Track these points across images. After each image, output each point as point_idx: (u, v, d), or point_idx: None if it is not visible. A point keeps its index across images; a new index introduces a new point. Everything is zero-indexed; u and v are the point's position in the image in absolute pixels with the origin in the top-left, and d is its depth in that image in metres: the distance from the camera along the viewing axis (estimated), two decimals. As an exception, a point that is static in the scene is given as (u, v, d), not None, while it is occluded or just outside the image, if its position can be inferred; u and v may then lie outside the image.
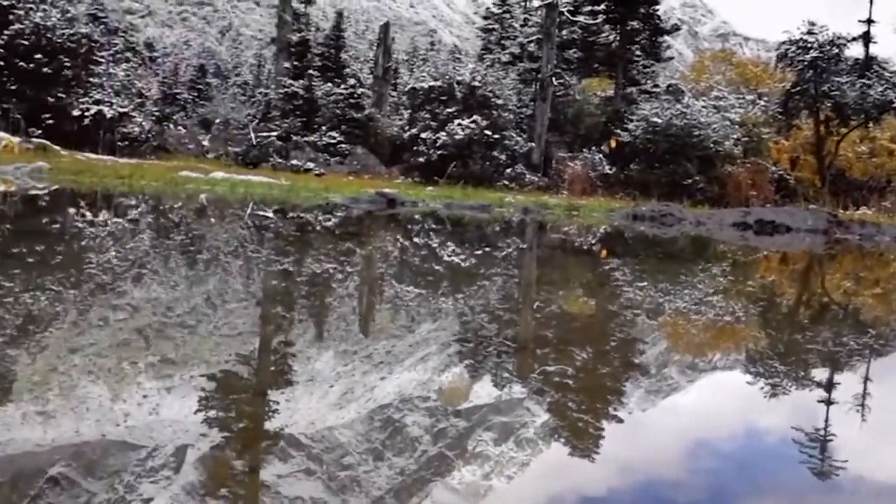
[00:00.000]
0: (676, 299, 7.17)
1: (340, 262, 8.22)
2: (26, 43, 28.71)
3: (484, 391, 3.60)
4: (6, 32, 28.33)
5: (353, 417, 3.09)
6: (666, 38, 41.62)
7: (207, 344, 4.09)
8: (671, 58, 46.77)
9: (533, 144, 33.29)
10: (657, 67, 41.76)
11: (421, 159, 30.93)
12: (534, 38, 38.90)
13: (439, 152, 30.19)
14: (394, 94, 44.92)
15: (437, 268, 8.40)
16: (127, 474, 2.38)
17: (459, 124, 30.21)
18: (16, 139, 24.32)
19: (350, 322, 5.08)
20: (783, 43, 36.88)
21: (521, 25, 43.78)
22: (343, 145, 33.79)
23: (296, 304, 5.56)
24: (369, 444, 2.83)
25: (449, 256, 9.52)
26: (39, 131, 26.77)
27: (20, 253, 6.65)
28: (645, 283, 8.29)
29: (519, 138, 33.12)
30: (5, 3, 28.93)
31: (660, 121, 30.19)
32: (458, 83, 32.02)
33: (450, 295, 6.48)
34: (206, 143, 35.19)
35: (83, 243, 7.85)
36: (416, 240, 11.63)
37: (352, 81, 37.15)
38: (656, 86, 39.25)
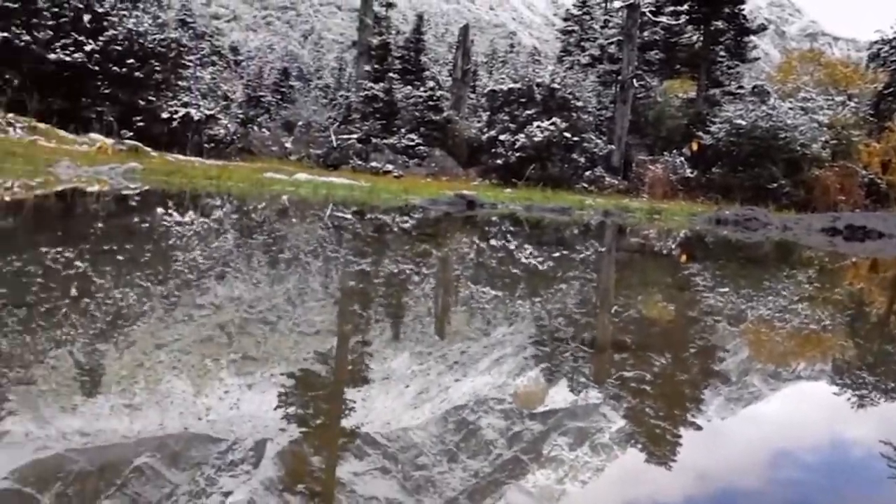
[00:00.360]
0: (759, 306, 6.97)
1: (417, 263, 8.27)
2: (119, 48, 29.83)
3: (559, 395, 3.57)
4: (101, 38, 29.49)
5: (428, 418, 3.10)
6: (752, 38, 40.53)
7: (287, 341, 4.16)
8: (757, 58, 45.55)
9: (613, 147, 32.92)
10: (742, 68, 40.74)
11: (499, 161, 30.91)
12: (614, 39, 38.47)
13: (517, 154, 30.12)
14: (472, 96, 44.99)
15: (513, 270, 8.37)
16: (208, 467, 2.44)
17: (538, 126, 30.09)
18: (109, 141, 25.28)
19: (426, 323, 5.10)
20: (875, 42, 35.60)
21: (602, 27, 43.31)
22: (421, 147, 34.04)
23: (372, 304, 5.61)
24: (443, 445, 2.84)
25: (526, 259, 9.48)
26: (131, 133, 27.77)
27: (111, 250, 6.90)
28: (727, 289, 8.09)
29: (598, 141, 32.80)
30: (100, 11, 30.12)
31: (744, 123, 29.46)
32: (538, 85, 31.90)
33: (526, 297, 6.45)
34: (288, 145, 35.90)
35: (170, 242, 8.10)
36: (492, 242, 11.61)
37: (431, 84, 37.40)
38: (741, 87, 38.30)
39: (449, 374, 3.74)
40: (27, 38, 27.86)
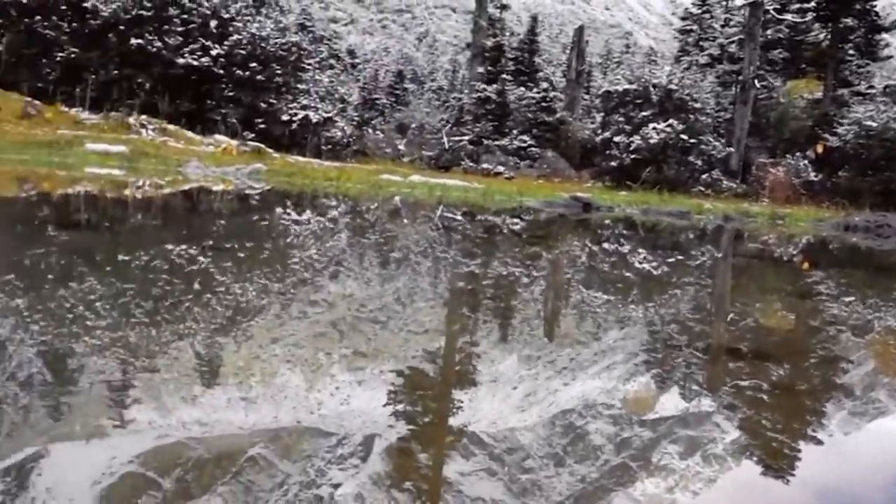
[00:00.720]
0: (889, 317, 6.60)
1: (526, 265, 8.24)
2: (243, 52, 31.01)
3: (671, 402, 3.48)
4: (226, 43, 30.73)
5: (536, 421, 3.08)
6: (884, 35, 38.40)
7: (396, 340, 4.22)
8: (889, 57, 43.11)
9: (731, 149, 31.88)
10: (873, 67, 38.62)
11: (613, 163, 30.43)
12: (735, 38, 37.24)
13: (632, 157, 29.57)
14: (586, 97, 44.47)
15: (626, 274, 8.22)
16: (318, 459, 2.50)
17: (654, 128, 29.46)
18: (234, 142, 26.30)
19: (534, 326, 5.07)
20: None
21: (722, 26, 41.95)
22: (533, 149, 33.90)
23: (481, 306, 5.62)
24: (551, 448, 2.82)
25: (640, 263, 9.29)
26: (252, 135, 28.81)
27: (232, 248, 7.17)
28: (852, 298, 7.70)
29: (716, 143, 31.81)
30: (226, 16, 31.39)
31: (875, 124, 27.98)
32: (654, 86, 31.22)
33: (638, 302, 6.32)
34: (401, 146, 36.42)
35: (287, 240, 8.35)
36: (605, 245, 11.45)
37: (544, 85, 37.21)
38: (871, 87, 36.34)
39: (557, 378, 3.70)
40: (158, 43, 29.32)
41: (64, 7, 29.84)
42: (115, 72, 29.41)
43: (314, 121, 31.28)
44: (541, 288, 6.91)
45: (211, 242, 7.38)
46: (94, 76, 29.09)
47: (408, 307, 5.20)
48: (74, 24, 29.69)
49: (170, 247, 6.62)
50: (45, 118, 24.31)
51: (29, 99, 25.51)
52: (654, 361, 4.21)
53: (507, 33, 43.93)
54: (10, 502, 1.99)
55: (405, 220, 13.06)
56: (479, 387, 3.45)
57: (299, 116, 31.19)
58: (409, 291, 5.81)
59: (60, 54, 29.13)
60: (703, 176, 30.18)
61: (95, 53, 29.48)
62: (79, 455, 2.35)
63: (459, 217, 14.15)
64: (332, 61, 49.86)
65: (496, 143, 34.17)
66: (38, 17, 29.42)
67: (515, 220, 14.30)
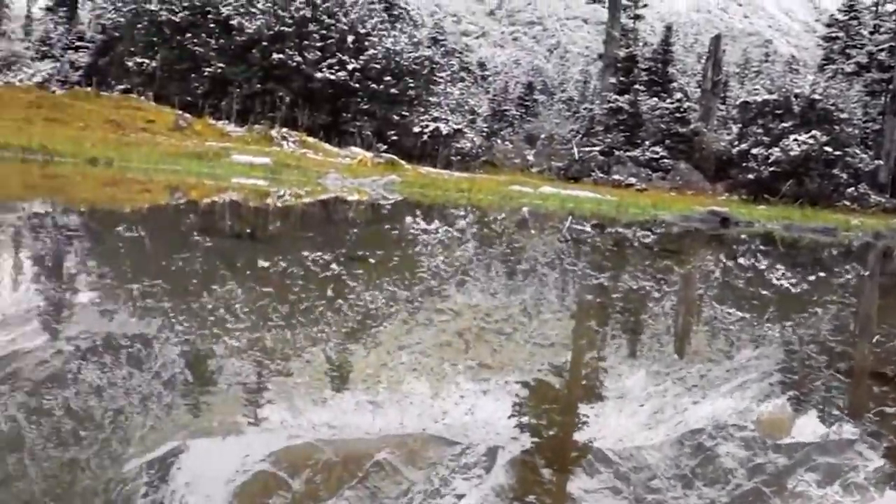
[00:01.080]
0: None
1: (657, 279, 8.05)
2: (378, 66, 31.86)
3: (808, 427, 3.32)
4: (362, 57, 31.66)
5: (663, 439, 3.00)
6: None
7: (522, 352, 4.21)
8: None
9: (880, 162, 30.12)
10: None
11: (750, 176, 29.34)
12: (885, 45, 35.18)
13: (771, 169, 28.43)
14: (722, 108, 43.07)
15: (762, 291, 7.90)
16: (443, 468, 2.53)
17: (795, 140, 28.22)
18: (368, 154, 27.01)
19: (664, 342, 4.95)
20: None
21: (871, 32, 39.73)
22: (666, 160, 33.14)
23: (609, 320, 5.53)
24: (678, 469, 2.73)
25: (777, 280, 8.91)
26: (385, 147, 29.50)
27: (363, 256, 7.36)
28: None
29: (864, 155, 30.11)
30: (363, 31, 32.35)
31: None
32: (796, 96, 29.92)
33: (775, 321, 6.06)
34: (530, 157, 36.38)
35: (416, 249, 8.49)
36: (741, 260, 11.04)
37: (678, 95, 36.33)
38: None
39: (687, 396, 3.60)
40: (298, 58, 30.55)
41: (212, 24, 31.58)
42: (258, 86, 30.84)
43: (445, 132, 31.72)
44: (671, 303, 6.74)
45: (344, 250, 7.59)
46: (238, 90, 30.61)
47: (534, 319, 5.18)
48: (221, 41, 31.34)
49: (306, 254, 6.87)
50: (194, 130, 25.75)
51: (180, 112, 27.10)
52: (791, 383, 4.02)
53: (641, 43, 43.18)
54: (153, 494, 2.11)
55: (533, 231, 13.03)
56: (606, 402, 3.40)
57: (430, 128, 31.71)
58: (535, 303, 5.79)
59: (208, 69, 30.81)
60: (849, 190, 28.63)
61: (240, 68, 31.02)
62: (216, 451, 2.47)
63: (588, 229, 13.99)
64: (463, 74, 50.36)
65: (627, 154, 33.61)
66: (189, 35, 31.27)
67: (646, 233, 14.00)
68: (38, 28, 50.22)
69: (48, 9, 45.73)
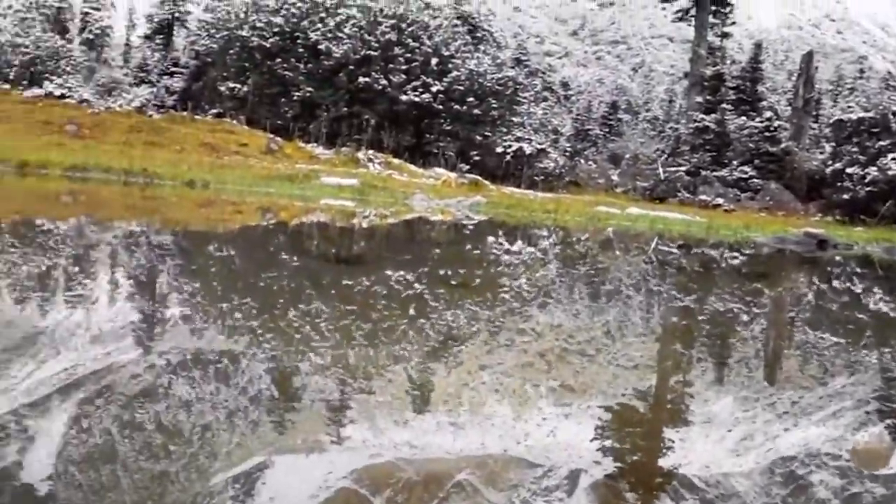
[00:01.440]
0: None
1: (746, 301, 7.83)
2: (461, 88, 32.16)
3: (909, 459, 3.17)
4: (446, 79, 32.00)
5: (752, 467, 2.91)
6: None
7: (605, 374, 4.16)
8: None
9: None
10: None
11: (844, 196, 28.33)
12: None
13: (867, 189, 27.36)
14: (815, 126, 41.77)
15: (859, 316, 7.60)
16: (524, 490, 2.51)
17: (894, 159, 27.11)
18: (452, 175, 27.22)
19: (753, 366, 4.81)
20: None
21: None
22: (755, 180, 32.30)
23: (695, 343, 5.41)
24: (769, 498, 2.65)
25: (875, 304, 8.56)
26: (467, 167, 29.67)
27: (445, 275, 7.40)
28: None
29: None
30: (447, 54, 32.73)
31: None
32: (894, 114, 28.76)
33: (872, 347, 5.82)
34: (614, 177, 36.00)
35: (498, 269, 8.49)
36: (835, 284, 10.65)
37: (768, 114, 35.42)
38: None
39: (777, 423, 3.48)
40: (384, 81, 31.09)
41: (301, 49, 32.44)
42: (345, 109, 31.50)
43: (528, 152, 31.72)
44: (761, 327, 6.54)
45: (426, 269, 7.65)
46: (326, 113, 31.32)
47: (617, 341, 5.11)
48: (310, 65, 32.16)
49: (388, 273, 6.95)
50: (285, 153, 26.49)
51: (271, 136, 27.91)
52: (889, 411, 3.85)
53: (728, 61, 42.33)
54: (241, 506, 2.17)
55: (617, 252, 12.86)
56: (692, 427, 3.32)
57: (513, 148, 31.75)
58: (619, 325, 5.71)
59: (297, 93, 31.63)
60: (953, 210, 27.31)
61: (328, 92, 31.74)
62: (299, 467, 2.52)
63: (674, 250, 13.73)
64: (546, 94, 50.28)
65: (714, 173, 32.89)
66: (279, 60, 32.19)
67: (734, 255, 13.65)
68: (136, 55, 52.74)
69: (146, 37, 48.04)
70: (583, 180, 34.98)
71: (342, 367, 3.60)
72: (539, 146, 32.59)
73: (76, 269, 5.81)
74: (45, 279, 5.15)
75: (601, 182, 35.08)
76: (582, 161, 39.69)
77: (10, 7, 52.09)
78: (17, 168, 16.55)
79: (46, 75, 30.98)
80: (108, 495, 2.14)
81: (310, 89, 31.56)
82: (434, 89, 31.55)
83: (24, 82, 29.68)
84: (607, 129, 54.64)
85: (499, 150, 31.79)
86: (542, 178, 31.91)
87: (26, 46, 31.27)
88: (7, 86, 28.45)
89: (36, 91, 28.24)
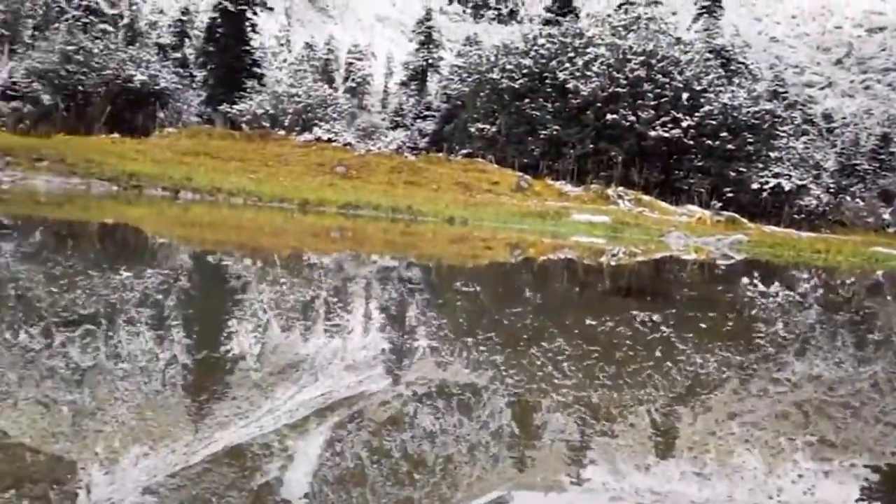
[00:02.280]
0: None
1: None
2: (713, 122, 31.06)
3: None
4: (697, 114, 31.08)
5: None
6: None
7: (871, 431, 3.82)
8: None
9: None
10: None
11: None
12: None
13: None
14: None
15: None
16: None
17: None
18: (706, 212, 26.31)
19: None
20: None
21: None
22: None
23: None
24: None
25: None
26: (720, 204, 28.51)
27: (694, 317, 7.15)
28: None
29: None
30: (698, 88, 31.81)
31: None
32: None
33: None
34: (886, 216, 32.92)
35: (753, 312, 8.06)
36: None
37: None
38: None
39: None
40: (632, 118, 30.78)
41: (549, 89, 32.98)
42: (591, 146, 31.52)
43: (787, 189, 29.91)
44: None
45: (674, 310, 7.45)
46: (572, 150, 31.55)
47: (887, 395, 4.68)
48: (557, 104, 32.59)
49: (634, 312, 6.84)
50: (534, 191, 27.05)
51: (520, 174, 28.60)
52: None
53: None
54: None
55: (888, 297, 11.74)
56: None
57: (771, 185, 30.09)
58: (888, 376, 5.21)
59: (544, 132, 32.13)
60: None
61: (574, 129, 31.97)
62: (539, 505, 2.56)
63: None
64: (807, 127, 47.16)
65: None
66: (527, 100, 32.93)
67: None
68: (392, 101, 56.68)
69: (402, 83, 51.56)
70: (849, 219, 32.32)
71: (585, 407, 3.61)
72: (799, 182, 30.61)
73: (335, 299, 6.30)
74: (307, 309, 5.64)
75: (870, 221, 32.22)
76: (848, 198, 36.70)
77: (285, 61, 58.17)
78: (300, 206, 18.60)
79: (316, 121, 33.89)
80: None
81: (556, 127, 31.94)
82: (684, 124, 30.74)
83: (297, 128, 32.68)
84: (877, 164, 50.17)
85: (754, 186, 30.25)
86: (802, 216, 29.90)
87: (299, 96, 34.44)
88: (283, 132, 31.48)
89: (307, 136, 31.00)
